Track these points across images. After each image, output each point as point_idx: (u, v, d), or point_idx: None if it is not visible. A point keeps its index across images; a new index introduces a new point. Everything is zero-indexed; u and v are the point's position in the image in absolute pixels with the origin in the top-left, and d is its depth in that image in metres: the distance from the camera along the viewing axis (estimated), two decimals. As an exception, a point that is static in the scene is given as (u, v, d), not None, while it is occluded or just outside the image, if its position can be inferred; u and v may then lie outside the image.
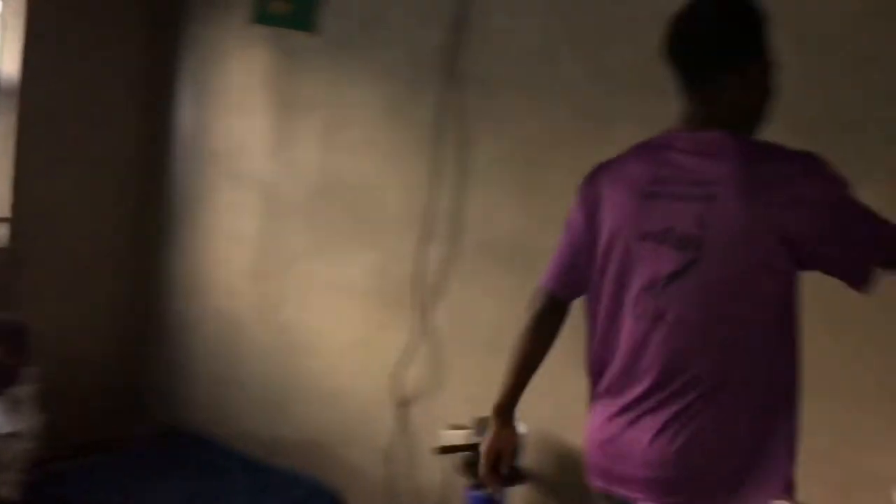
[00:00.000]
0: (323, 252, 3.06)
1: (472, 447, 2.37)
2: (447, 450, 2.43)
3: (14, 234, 3.02)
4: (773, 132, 1.53)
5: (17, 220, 3.02)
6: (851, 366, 2.13)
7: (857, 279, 1.40)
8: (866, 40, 2.13)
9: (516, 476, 1.68)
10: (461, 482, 2.52)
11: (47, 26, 3.01)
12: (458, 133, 2.75)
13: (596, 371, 1.61)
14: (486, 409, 2.56)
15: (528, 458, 2.45)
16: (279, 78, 3.17)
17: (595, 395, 1.61)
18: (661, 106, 2.31)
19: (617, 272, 1.52)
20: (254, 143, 3.25)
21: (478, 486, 2.44)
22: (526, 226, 2.61)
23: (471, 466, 2.40)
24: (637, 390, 1.48)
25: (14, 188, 3.00)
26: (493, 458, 1.73)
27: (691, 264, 1.41)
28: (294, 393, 3.11)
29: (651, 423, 1.45)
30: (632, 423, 1.48)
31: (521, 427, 2.43)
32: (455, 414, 2.70)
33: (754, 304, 1.42)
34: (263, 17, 3.15)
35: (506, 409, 1.74)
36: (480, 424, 2.43)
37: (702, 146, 1.45)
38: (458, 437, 2.50)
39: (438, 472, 2.71)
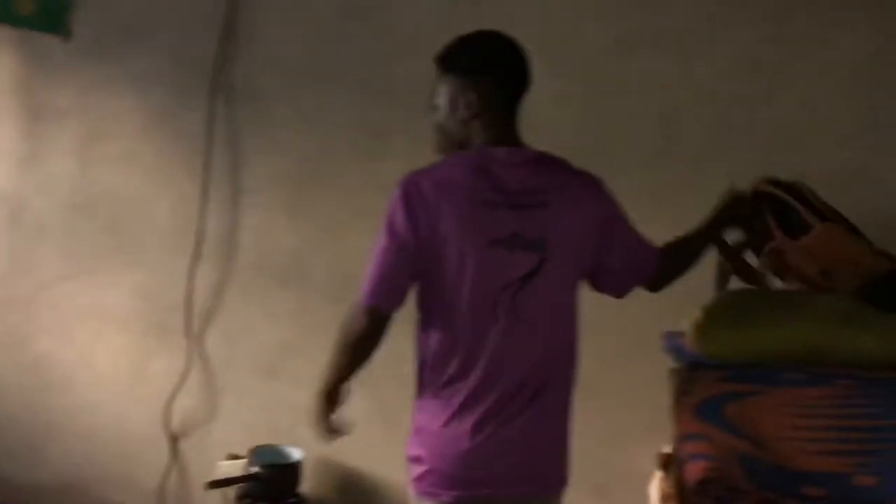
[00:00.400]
0: (82, 274, 2.80)
1: (249, 478, 2.28)
2: (220, 483, 2.31)
3: None
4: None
5: None
6: (608, 368, 2.30)
7: (624, 289, 1.70)
8: (614, 70, 2.32)
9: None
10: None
11: None
12: (229, 147, 2.64)
13: (452, 379, 1.57)
14: (265, 437, 2.50)
15: (306, 485, 2.40)
16: (27, 84, 2.86)
17: (448, 405, 1.57)
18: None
19: (472, 279, 1.55)
20: (-3, 155, 2.90)
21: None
22: (302, 244, 2.56)
23: (246, 498, 2.31)
24: (503, 393, 1.55)
25: None
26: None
27: (539, 268, 1.55)
28: (51, 433, 2.81)
29: (521, 424, 1.56)
30: (502, 425, 1.55)
31: (298, 453, 2.39)
32: (233, 444, 2.58)
33: (575, 306, 1.65)
34: (6, 16, 2.82)
35: (330, 393, 1.72)
36: (255, 454, 2.35)
37: (523, 159, 1.60)
38: (233, 468, 2.39)
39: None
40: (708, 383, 1.54)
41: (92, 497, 2.76)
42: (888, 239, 2.10)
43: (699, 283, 2.03)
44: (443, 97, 1.64)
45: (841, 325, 1.54)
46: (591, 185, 1.64)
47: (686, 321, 1.66)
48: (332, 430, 1.73)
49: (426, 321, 1.61)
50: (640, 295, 2.23)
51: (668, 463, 1.77)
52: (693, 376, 1.61)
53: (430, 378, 1.60)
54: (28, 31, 2.82)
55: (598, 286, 1.69)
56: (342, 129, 2.54)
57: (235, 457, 2.51)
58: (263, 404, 2.59)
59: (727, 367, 1.56)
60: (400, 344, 2.15)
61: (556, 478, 1.64)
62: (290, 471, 2.33)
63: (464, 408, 1.55)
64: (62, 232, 2.82)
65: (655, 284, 1.74)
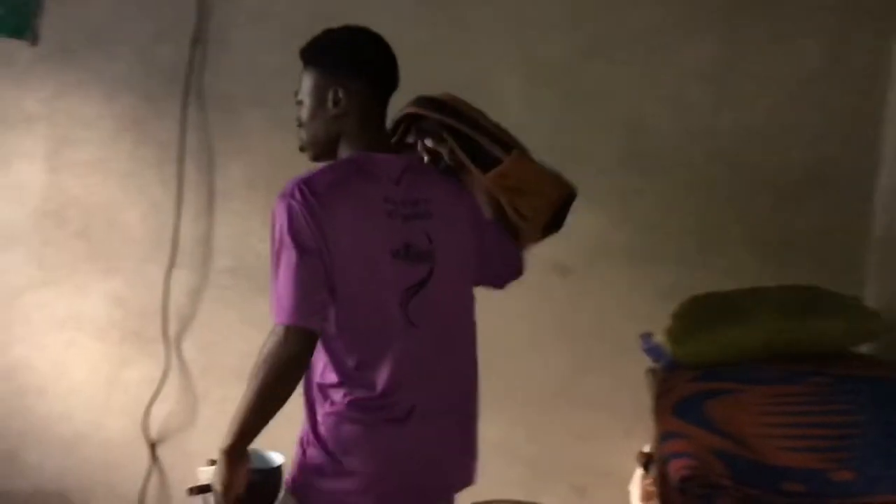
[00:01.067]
0: (54, 282, 2.76)
1: (229, 485, 2.27)
2: (201, 489, 2.30)
3: None
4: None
5: None
6: (586, 371, 2.36)
7: (503, 283, 1.77)
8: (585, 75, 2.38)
9: None
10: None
11: None
12: (202, 152, 2.64)
13: (381, 394, 1.53)
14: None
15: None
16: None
17: (363, 414, 1.53)
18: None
19: (375, 289, 1.53)
20: (-40, 162, 2.85)
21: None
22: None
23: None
24: (420, 401, 1.54)
25: None
26: (235, 499, 1.64)
27: (429, 277, 1.55)
28: (26, 441, 2.77)
29: (444, 430, 1.58)
30: (425, 433, 1.55)
31: (279, 458, 2.39)
32: (212, 450, 2.57)
33: (471, 311, 1.66)
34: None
35: (243, 451, 1.60)
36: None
37: (403, 170, 1.59)
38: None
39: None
40: (686, 382, 1.60)
41: (72, 505, 2.74)
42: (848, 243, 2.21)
43: (673, 283, 2.11)
44: (308, 92, 1.60)
45: (804, 314, 1.61)
46: (462, 192, 1.67)
47: (659, 332, 1.72)
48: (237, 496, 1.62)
49: (328, 334, 1.52)
50: (615, 296, 2.31)
51: (648, 462, 1.83)
52: (671, 376, 1.67)
53: (337, 389, 1.53)
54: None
55: (481, 283, 1.72)
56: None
57: (215, 462, 2.51)
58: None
59: (704, 366, 1.62)
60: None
61: (464, 477, 1.65)
62: (272, 476, 2.32)
63: (376, 416, 1.52)
64: (33, 240, 2.78)
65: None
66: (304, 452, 1.61)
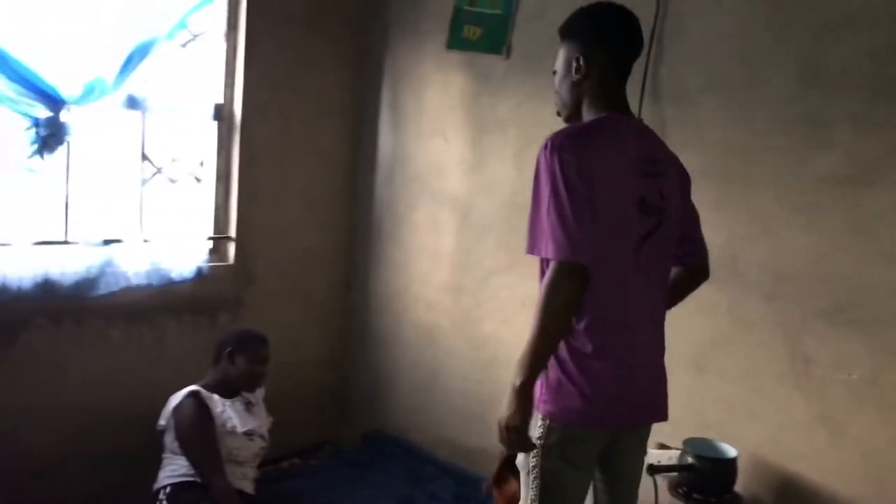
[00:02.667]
0: (516, 268, 3.12)
1: (686, 468, 2.33)
2: (661, 469, 2.40)
3: (239, 253, 3.33)
4: None
5: (241, 239, 3.33)
6: None
7: (694, 260, 1.99)
8: None
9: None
10: (671, 502, 2.48)
11: (264, 68, 3.30)
12: (656, 146, 2.71)
13: (612, 323, 1.72)
14: (692, 431, 2.53)
15: (740, 483, 2.37)
16: (473, 100, 3.28)
17: (602, 346, 1.70)
18: (885, 106, 2.20)
19: (619, 233, 1.71)
20: (450, 163, 3.38)
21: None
22: (731, 240, 2.53)
23: (682, 488, 2.37)
24: (644, 337, 1.80)
25: (238, 212, 3.31)
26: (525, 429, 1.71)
27: (656, 228, 1.76)
28: (495, 406, 3.17)
29: (656, 363, 1.87)
30: (645, 365, 1.81)
31: (732, 450, 2.37)
32: (658, 434, 2.66)
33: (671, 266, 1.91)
34: (457, 42, 3.28)
35: (532, 388, 1.70)
36: (688, 446, 2.39)
37: (640, 131, 1.84)
38: (666, 457, 2.46)
39: (643, 491, 2.68)
40: None
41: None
42: None
43: None
44: (559, 61, 1.84)
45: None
46: (678, 162, 1.92)
47: None
48: (527, 438, 1.69)
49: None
50: None
51: None
52: None
53: (591, 321, 1.68)
54: (474, 54, 3.25)
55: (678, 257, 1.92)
56: (776, 119, 2.45)
57: (664, 446, 2.59)
58: (691, 398, 2.62)
59: None
60: (844, 348, 2.03)
61: (664, 408, 1.90)
62: (727, 467, 2.33)
63: (609, 349, 1.70)
64: (502, 229, 3.18)
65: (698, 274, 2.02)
66: (546, 378, 1.75)
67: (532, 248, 1.72)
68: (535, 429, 1.73)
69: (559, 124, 2.93)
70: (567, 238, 1.62)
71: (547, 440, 1.73)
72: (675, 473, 2.39)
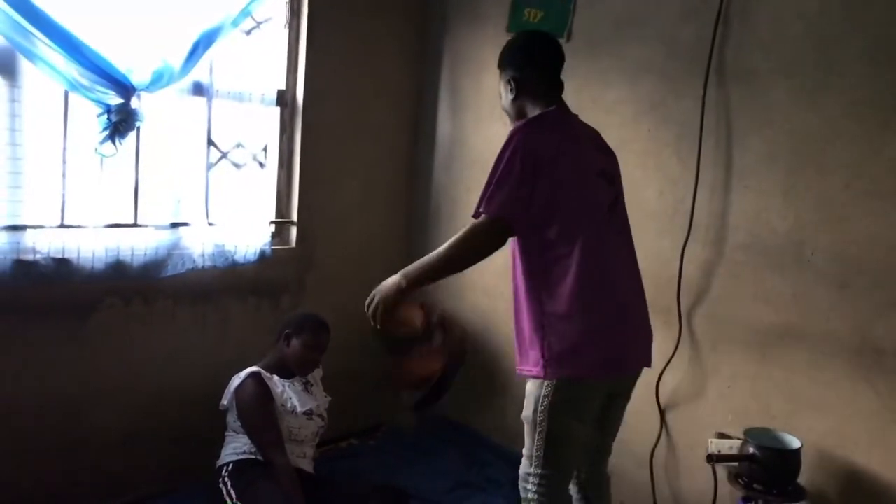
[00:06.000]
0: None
1: (746, 458, 2.29)
2: (720, 458, 2.36)
3: (301, 236, 3.39)
4: None
5: (302, 223, 3.39)
6: None
7: None
8: None
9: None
10: (732, 493, 2.44)
11: (326, 54, 3.34)
12: (720, 130, 2.65)
13: (598, 286, 1.97)
14: (755, 421, 2.48)
15: (804, 476, 2.31)
16: (533, 83, 3.24)
17: (595, 304, 1.97)
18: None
19: (592, 199, 2.03)
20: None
21: (749, 499, 2.35)
22: (798, 227, 2.46)
23: (742, 478, 2.33)
24: (627, 289, 2.10)
25: (300, 196, 3.37)
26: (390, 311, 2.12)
27: (616, 199, 2.16)
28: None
29: (640, 316, 2.16)
30: (630, 317, 2.09)
31: (795, 441, 2.31)
32: (719, 423, 2.62)
33: None
34: (518, 26, 3.25)
35: (410, 294, 2.11)
36: (749, 436, 2.34)
37: (580, 121, 2.25)
38: (726, 446, 2.42)
39: (702, 481, 2.64)
40: None
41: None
42: None
43: None
44: (500, 87, 2.24)
45: None
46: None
47: None
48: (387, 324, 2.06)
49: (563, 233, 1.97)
50: None
51: None
52: None
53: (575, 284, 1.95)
54: (536, 37, 3.22)
55: None
56: (847, 104, 2.36)
57: (724, 436, 2.55)
58: (754, 387, 2.56)
59: None
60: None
61: (648, 356, 2.20)
62: (790, 458, 2.27)
63: (594, 304, 1.97)
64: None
65: None
66: (548, 342, 2.00)
67: (476, 211, 1.98)
68: (542, 389, 1.98)
69: (621, 109, 2.94)
70: (500, 198, 1.92)
71: (553, 398, 1.97)
72: (735, 463, 2.35)
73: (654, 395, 2.80)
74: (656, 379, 2.78)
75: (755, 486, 2.29)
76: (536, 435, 2.02)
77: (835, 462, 2.35)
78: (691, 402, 2.74)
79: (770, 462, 2.25)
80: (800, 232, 2.46)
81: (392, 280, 2.08)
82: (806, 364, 2.44)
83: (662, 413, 2.81)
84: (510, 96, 2.19)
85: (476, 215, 1.98)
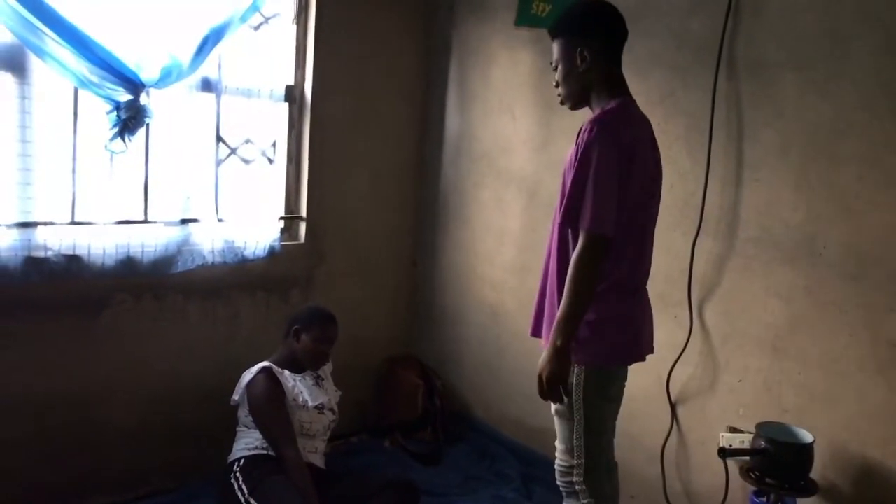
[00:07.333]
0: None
1: (758, 452, 2.28)
2: (732, 452, 2.35)
3: (310, 232, 3.40)
4: None
5: (311, 219, 3.39)
6: None
7: None
8: None
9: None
10: (742, 487, 2.43)
11: (334, 49, 3.34)
12: (731, 123, 2.63)
13: (631, 278, 2.04)
14: (767, 415, 2.47)
15: (817, 471, 2.30)
16: (541, 78, 3.23)
17: (625, 296, 2.03)
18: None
19: (645, 202, 2.04)
20: (517, 142, 3.36)
21: (761, 493, 2.34)
22: (810, 219, 2.44)
23: (754, 472, 2.32)
24: (642, 278, 2.14)
25: (309, 192, 3.37)
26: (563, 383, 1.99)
27: (651, 198, 2.10)
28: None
29: (647, 300, 2.18)
30: (646, 310, 2.16)
31: (808, 435, 2.30)
32: (731, 417, 2.61)
33: None
34: (526, 19, 3.23)
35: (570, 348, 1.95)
36: (761, 430, 2.33)
37: (641, 114, 2.10)
38: (737, 440, 2.41)
39: (713, 475, 2.63)
40: None
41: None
42: None
43: None
44: (558, 57, 2.05)
45: None
46: None
47: None
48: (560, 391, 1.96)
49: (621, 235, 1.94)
50: None
51: None
52: None
53: (618, 277, 1.99)
54: (543, 31, 3.18)
55: None
56: (860, 94, 2.33)
57: (735, 430, 2.54)
58: (765, 381, 2.55)
59: None
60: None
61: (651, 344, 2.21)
62: (802, 452, 2.26)
63: (628, 298, 2.05)
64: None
65: None
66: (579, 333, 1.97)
67: (567, 220, 1.93)
68: (574, 376, 1.99)
69: (635, 96, 2.91)
70: (606, 210, 1.86)
71: (587, 383, 1.99)
72: (747, 458, 2.34)
73: (665, 390, 2.79)
74: (667, 373, 2.77)
75: (767, 480, 2.27)
76: (575, 425, 2.03)
77: (848, 456, 2.34)
78: (702, 397, 2.72)
79: (782, 456, 2.24)
80: (812, 224, 2.44)
81: (546, 354, 1.95)
82: (818, 357, 2.42)
83: (673, 407, 2.80)
84: (581, 67, 1.98)
85: (572, 224, 1.93)
